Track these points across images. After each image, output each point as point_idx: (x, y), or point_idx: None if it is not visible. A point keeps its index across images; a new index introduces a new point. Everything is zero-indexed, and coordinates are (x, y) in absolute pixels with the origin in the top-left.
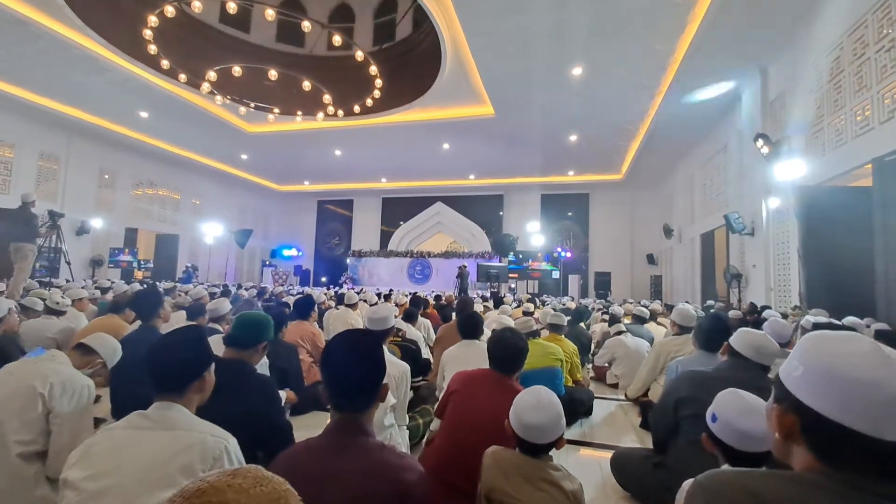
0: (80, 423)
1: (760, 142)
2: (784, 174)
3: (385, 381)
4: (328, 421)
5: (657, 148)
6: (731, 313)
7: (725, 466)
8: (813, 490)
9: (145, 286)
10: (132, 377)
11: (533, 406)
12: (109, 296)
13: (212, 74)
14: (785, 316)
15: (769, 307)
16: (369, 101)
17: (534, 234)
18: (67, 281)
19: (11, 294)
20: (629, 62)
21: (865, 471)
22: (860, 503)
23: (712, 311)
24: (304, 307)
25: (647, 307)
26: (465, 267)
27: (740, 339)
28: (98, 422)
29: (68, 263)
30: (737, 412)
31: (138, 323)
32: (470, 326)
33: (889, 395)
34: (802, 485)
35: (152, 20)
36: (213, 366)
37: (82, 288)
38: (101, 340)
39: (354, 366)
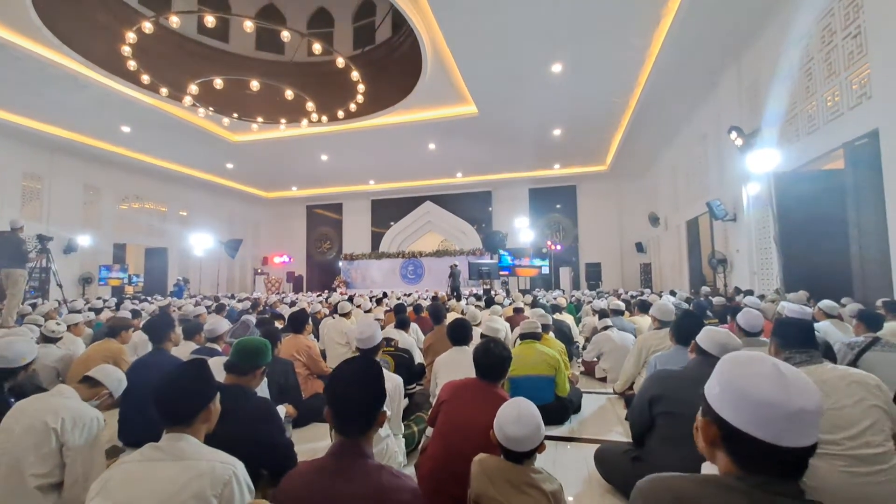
0: (92, 453)
1: (734, 134)
2: (757, 165)
3: (384, 410)
4: (328, 432)
5: (639, 138)
6: (716, 299)
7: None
8: (725, 491)
9: (135, 303)
10: (143, 401)
11: (514, 419)
12: (103, 316)
13: (193, 87)
14: (767, 299)
15: (752, 291)
16: (353, 106)
17: (523, 229)
18: (58, 302)
19: (6, 321)
20: (608, 57)
21: (770, 472)
22: (762, 500)
23: (690, 304)
24: (299, 322)
25: (634, 298)
26: (456, 266)
27: (706, 337)
28: (109, 451)
29: (59, 285)
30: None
31: (134, 344)
32: (459, 333)
33: (784, 411)
34: (718, 487)
35: (130, 37)
36: (218, 396)
37: (78, 312)
38: (106, 372)
39: (357, 396)
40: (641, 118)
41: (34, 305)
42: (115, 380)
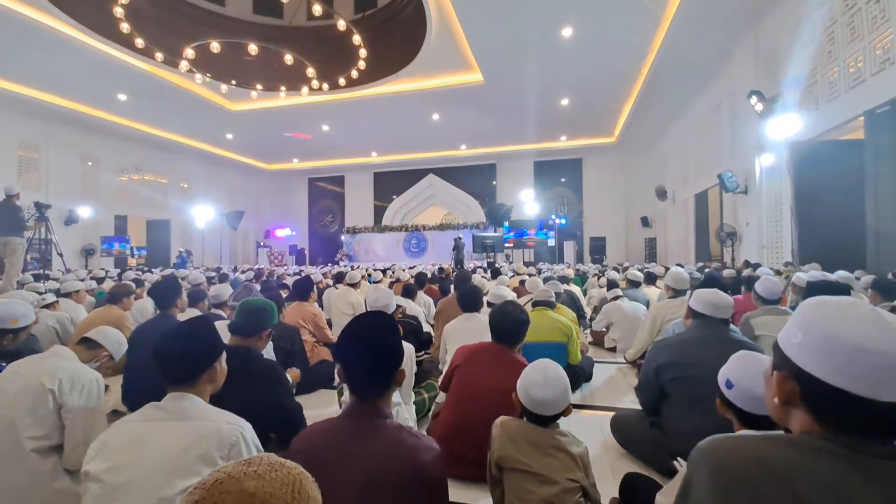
0: (93, 416)
1: (754, 98)
2: (777, 131)
3: (402, 369)
4: (335, 398)
5: (650, 109)
6: (726, 272)
7: (743, 431)
8: (813, 453)
9: (139, 274)
10: (147, 365)
11: (541, 382)
12: (105, 286)
13: (189, 52)
14: (778, 273)
15: (761, 265)
16: (354, 73)
17: (528, 203)
18: (62, 272)
19: (5, 289)
20: (620, 20)
21: (863, 431)
22: (857, 463)
23: (707, 270)
24: (303, 288)
25: (643, 270)
26: (460, 239)
27: (697, 300)
28: (111, 414)
29: (60, 255)
30: (753, 379)
31: (135, 311)
32: (470, 300)
33: (886, 359)
34: (799, 448)
35: None
36: (223, 355)
37: (81, 280)
38: (106, 334)
39: (371, 353)
40: (653, 87)
41: (37, 276)
42: (115, 341)
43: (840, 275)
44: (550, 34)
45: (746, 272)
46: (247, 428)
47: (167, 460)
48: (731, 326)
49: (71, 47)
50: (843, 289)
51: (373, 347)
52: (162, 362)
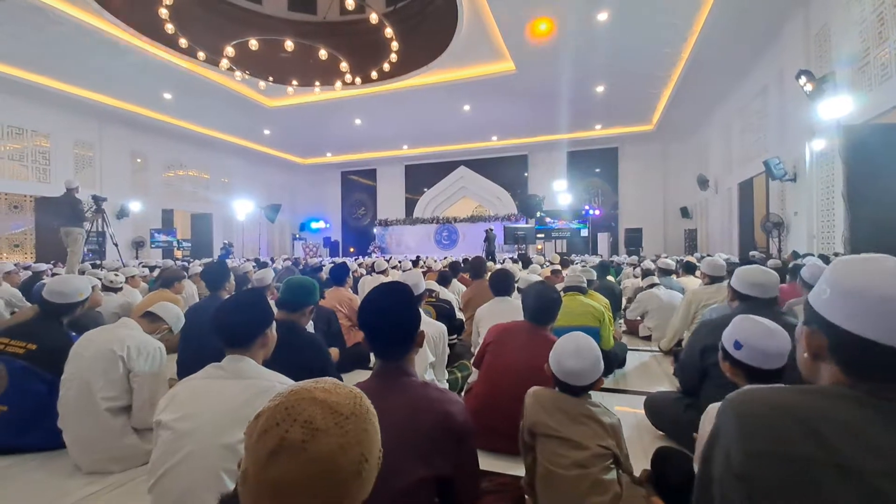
0: (156, 380)
1: (803, 79)
2: (829, 112)
3: (421, 330)
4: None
5: (690, 94)
6: (771, 262)
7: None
8: (841, 401)
9: (186, 263)
10: (199, 341)
11: (573, 352)
12: (156, 273)
13: (229, 50)
14: (826, 261)
15: (813, 255)
16: (386, 66)
17: (561, 193)
18: (118, 262)
19: None
20: (659, 2)
21: (887, 380)
22: (880, 408)
23: (750, 256)
24: (340, 274)
25: (680, 261)
26: (491, 230)
27: (740, 280)
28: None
29: (116, 245)
30: (760, 336)
31: (185, 296)
32: (502, 283)
33: None
34: (827, 395)
35: None
36: (274, 324)
37: (134, 267)
38: (166, 309)
39: (388, 316)
40: (694, 71)
41: (94, 266)
42: (174, 316)
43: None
44: (586, 19)
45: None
46: None
47: (228, 412)
48: (780, 309)
49: (120, 49)
50: None
51: (387, 310)
52: (221, 326)
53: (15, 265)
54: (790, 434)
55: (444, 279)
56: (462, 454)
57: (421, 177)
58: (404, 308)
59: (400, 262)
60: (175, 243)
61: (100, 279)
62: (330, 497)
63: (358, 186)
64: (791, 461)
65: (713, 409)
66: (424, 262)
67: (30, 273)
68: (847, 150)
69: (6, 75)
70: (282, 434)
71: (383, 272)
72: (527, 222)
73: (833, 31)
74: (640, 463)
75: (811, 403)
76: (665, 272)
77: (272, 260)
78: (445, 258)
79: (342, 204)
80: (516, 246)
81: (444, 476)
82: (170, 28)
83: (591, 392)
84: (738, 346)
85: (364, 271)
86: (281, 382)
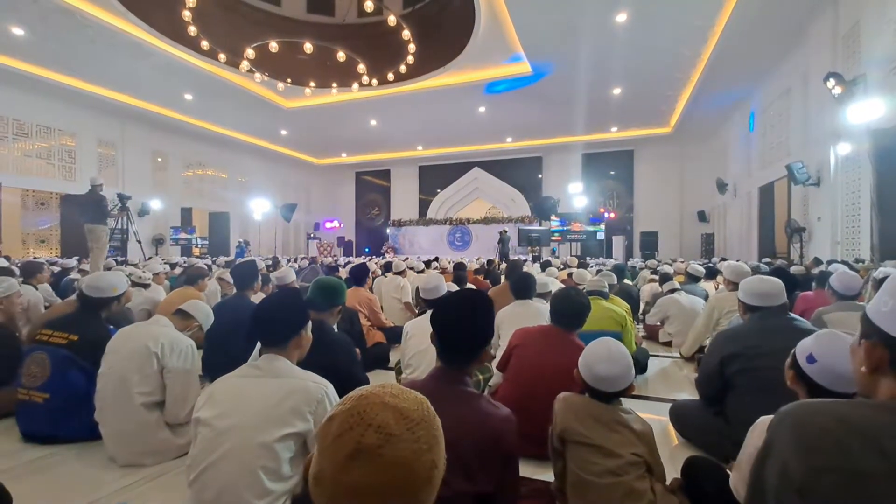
0: (188, 376)
1: (832, 81)
2: (858, 116)
3: (488, 349)
4: (393, 378)
5: (710, 96)
6: (794, 269)
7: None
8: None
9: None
10: (225, 338)
11: (604, 358)
12: (177, 270)
13: (250, 52)
14: (852, 268)
15: (836, 261)
16: (403, 68)
17: (575, 196)
18: (142, 259)
19: (92, 272)
20: (680, 2)
21: None
22: None
23: (776, 265)
24: (360, 274)
25: (704, 266)
26: (505, 232)
27: (746, 293)
28: None
29: (139, 242)
30: (837, 356)
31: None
32: (523, 287)
33: None
34: (886, 409)
35: (190, 0)
36: (309, 325)
37: (158, 264)
38: (197, 307)
39: (467, 323)
40: (714, 73)
41: (124, 262)
42: (204, 313)
43: None
44: (604, 20)
45: (817, 270)
46: (329, 388)
47: (264, 411)
48: (792, 315)
49: (143, 50)
50: None
51: (470, 318)
52: (259, 325)
53: (45, 261)
54: (853, 449)
55: (459, 280)
56: (507, 474)
57: (435, 178)
58: (483, 319)
59: (408, 261)
60: (193, 240)
61: (127, 275)
62: (405, 503)
63: (372, 187)
64: (854, 476)
65: (763, 422)
66: (439, 264)
67: (58, 269)
68: (877, 155)
69: (37, 76)
70: (357, 438)
71: (401, 273)
72: (540, 224)
73: (864, 30)
74: (666, 469)
75: (873, 418)
76: (694, 278)
77: (289, 259)
78: (459, 261)
79: (356, 204)
80: (529, 248)
81: (485, 493)
82: (192, 30)
83: (634, 386)
84: (811, 360)
85: (380, 272)
86: (314, 381)
